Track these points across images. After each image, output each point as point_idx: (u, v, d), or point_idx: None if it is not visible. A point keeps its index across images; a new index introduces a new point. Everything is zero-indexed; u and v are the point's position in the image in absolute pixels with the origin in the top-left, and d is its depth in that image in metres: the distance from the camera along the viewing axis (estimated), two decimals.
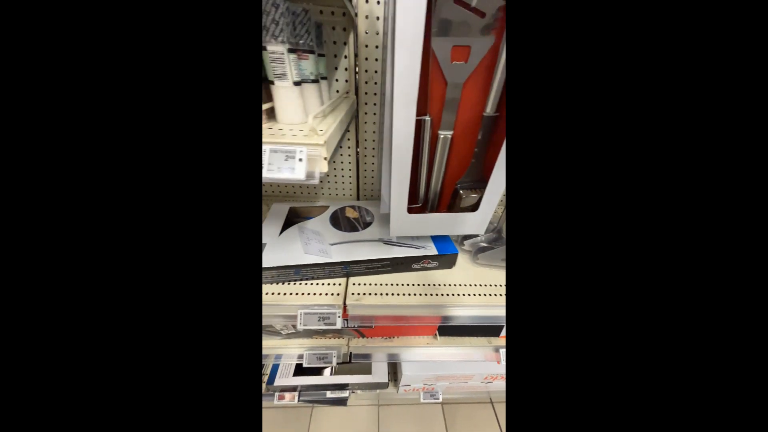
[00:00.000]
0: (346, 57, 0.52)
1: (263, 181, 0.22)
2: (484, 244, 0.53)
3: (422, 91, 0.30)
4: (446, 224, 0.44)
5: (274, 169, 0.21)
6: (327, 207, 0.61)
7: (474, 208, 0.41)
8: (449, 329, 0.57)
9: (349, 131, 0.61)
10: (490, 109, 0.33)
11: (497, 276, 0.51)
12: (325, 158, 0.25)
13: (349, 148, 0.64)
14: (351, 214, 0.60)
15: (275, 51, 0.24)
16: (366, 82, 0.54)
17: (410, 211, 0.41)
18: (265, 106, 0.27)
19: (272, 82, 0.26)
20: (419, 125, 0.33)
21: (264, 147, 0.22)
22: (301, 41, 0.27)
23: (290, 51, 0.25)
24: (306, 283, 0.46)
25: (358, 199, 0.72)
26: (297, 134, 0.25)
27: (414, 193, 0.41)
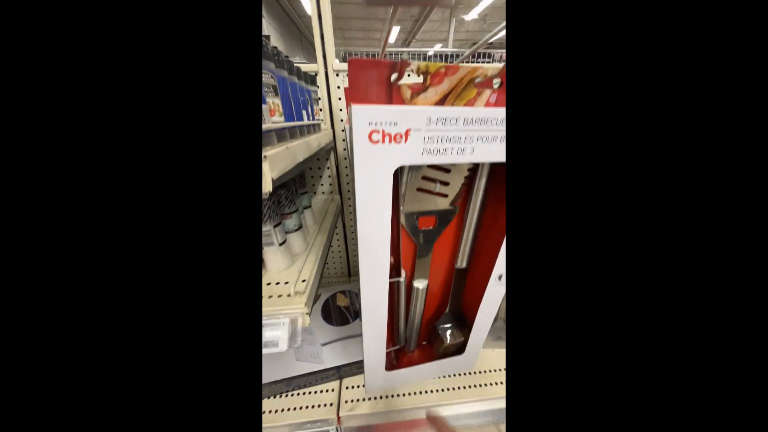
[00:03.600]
0: (329, 167, 0.61)
1: None
2: None
3: (394, 247, 0.31)
4: (430, 372, 0.42)
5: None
6: (319, 295, 0.63)
7: (459, 350, 0.40)
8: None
9: (337, 228, 0.67)
10: (460, 263, 0.35)
11: (495, 358, 0.49)
12: (308, 313, 0.28)
13: (337, 234, 0.69)
14: (342, 302, 0.62)
15: (264, 230, 0.30)
16: (348, 183, 0.63)
17: (390, 354, 0.40)
18: None
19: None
20: (393, 284, 0.34)
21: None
22: (285, 210, 0.34)
23: (275, 225, 0.31)
24: (296, 394, 0.45)
25: (349, 275, 0.75)
26: (282, 293, 0.30)
27: (393, 333, 0.41)
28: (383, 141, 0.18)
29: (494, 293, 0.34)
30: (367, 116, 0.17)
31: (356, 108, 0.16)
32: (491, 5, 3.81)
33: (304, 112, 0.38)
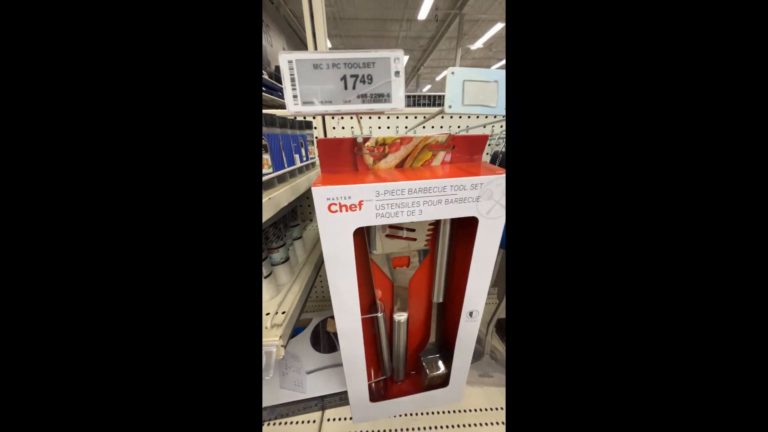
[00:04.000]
0: None
1: None
2: None
3: (369, 286, 0.34)
4: (416, 405, 0.42)
5: None
6: (310, 320, 0.65)
7: (444, 383, 0.41)
8: None
9: None
10: (436, 298, 0.37)
11: (481, 397, 0.48)
12: (283, 346, 0.31)
13: None
14: (332, 328, 0.63)
15: None
16: None
17: (379, 384, 0.41)
18: None
19: None
20: (373, 319, 0.36)
21: None
22: (273, 245, 0.37)
23: (262, 260, 0.34)
24: (274, 424, 0.45)
25: None
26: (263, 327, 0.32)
27: (377, 364, 0.42)
28: (341, 210, 0.21)
29: (467, 328, 0.35)
30: (324, 194, 0.20)
31: (315, 189, 0.20)
32: (496, 35, 4.03)
33: (296, 156, 0.43)
